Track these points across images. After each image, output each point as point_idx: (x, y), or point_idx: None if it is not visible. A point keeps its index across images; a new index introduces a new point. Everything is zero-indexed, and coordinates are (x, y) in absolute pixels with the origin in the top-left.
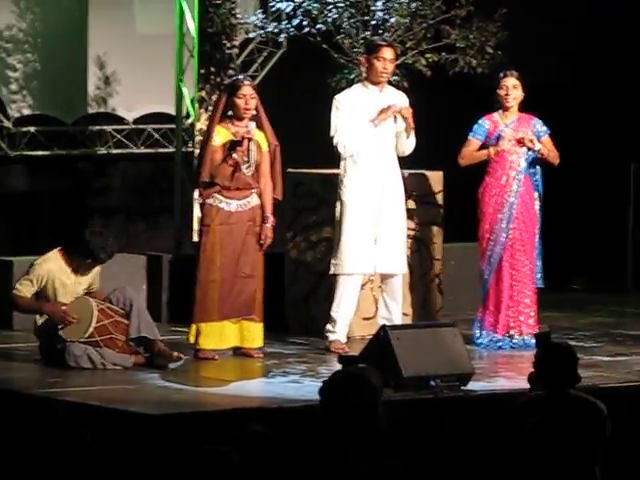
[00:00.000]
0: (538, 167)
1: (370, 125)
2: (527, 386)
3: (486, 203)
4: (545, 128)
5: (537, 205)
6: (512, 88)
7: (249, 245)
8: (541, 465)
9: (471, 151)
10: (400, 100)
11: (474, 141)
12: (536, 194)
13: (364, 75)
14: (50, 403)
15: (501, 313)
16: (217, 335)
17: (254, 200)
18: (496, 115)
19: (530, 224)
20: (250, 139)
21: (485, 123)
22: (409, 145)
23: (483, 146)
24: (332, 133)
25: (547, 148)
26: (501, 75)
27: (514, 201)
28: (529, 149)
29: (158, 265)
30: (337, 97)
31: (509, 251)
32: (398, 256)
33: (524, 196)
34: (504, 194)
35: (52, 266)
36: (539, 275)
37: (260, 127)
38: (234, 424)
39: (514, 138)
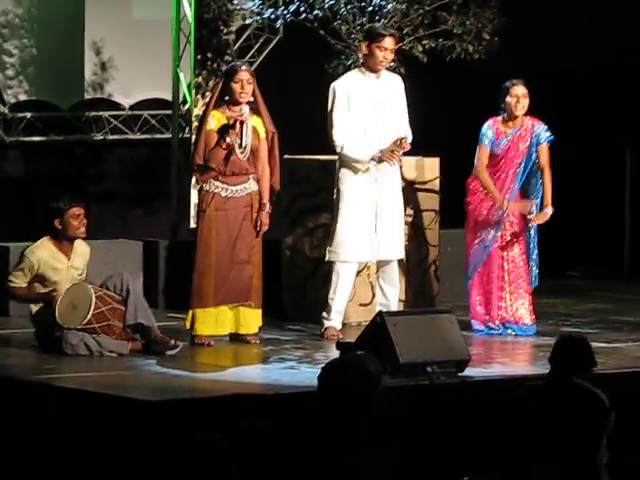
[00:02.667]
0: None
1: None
2: (522, 372)
3: (475, 199)
4: (547, 135)
5: (533, 207)
6: (522, 97)
7: (246, 231)
8: (543, 455)
9: (485, 165)
10: (396, 84)
11: (484, 149)
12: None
13: (361, 61)
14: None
15: (493, 304)
16: (213, 321)
17: (251, 186)
18: (499, 120)
19: (521, 216)
20: (243, 122)
21: (491, 129)
22: None
23: (490, 152)
24: (332, 131)
25: (540, 158)
26: (508, 84)
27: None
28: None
29: (155, 251)
30: (334, 85)
31: (500, 243)
32: (396, 242)
33: (516, 196)
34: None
35: (42, 253)
36: (535, 273)
37: (258, 113)
38: (231, 410)
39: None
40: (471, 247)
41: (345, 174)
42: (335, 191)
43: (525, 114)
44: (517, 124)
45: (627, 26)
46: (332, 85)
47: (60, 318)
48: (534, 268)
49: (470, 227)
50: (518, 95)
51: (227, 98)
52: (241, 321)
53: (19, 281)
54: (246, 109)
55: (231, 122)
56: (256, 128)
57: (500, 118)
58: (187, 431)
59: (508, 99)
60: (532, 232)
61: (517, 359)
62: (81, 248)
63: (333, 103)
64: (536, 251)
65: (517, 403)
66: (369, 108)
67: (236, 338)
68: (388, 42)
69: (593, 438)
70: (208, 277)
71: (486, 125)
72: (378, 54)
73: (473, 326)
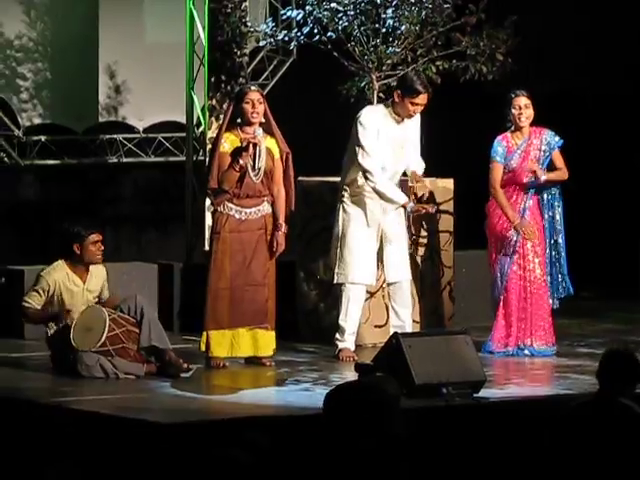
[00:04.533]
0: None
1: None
2: (539, 393)
3: (494, 219)
4: (557, 139)
5: (558, 215)
6: (525, 108)
7: (260, 253)
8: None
9: (499, 183)
10: (415, 119)
11: (498, 167)
12: (557, 204)
13: (390, 103)
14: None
15: (512, 326)
16: (228, 343)
17: (265, 208)
18: (509, 135)
19: (540, 236)
20: (256, 144)
21: (501, 145)
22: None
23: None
24: (362, 157)
25: (556, 163)
26: (512, 95)
27: (524, 216)
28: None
29: (169, 274)
30: (365, 114)
31: (522, 264)
32: (402, 263)
33: (533, 210)
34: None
35: (57, 275)
36: (569, 283)
37: (271, 134)
38: (246, 432)
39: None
40: (494, 270)
41: (351, 195)
42: (340, 210)
43: (531, 125)
44: (525, 134)
45: None
46: (363, 114)
47: (74, 341)
48: (566, 279)
49: (492, 250)
50: (521, 106)
51: (239, 120)
52: (260, 343)
53: (33, 302)
54: (260, 131)
55: (244, 144)
56: (270, 149)
57: (509, 133)
58: (210, 451)
59: (512, 111)
60: (561, 249)
61: (533, 380)
62: (96, 270)
63: (365, 132)
64: (565, 263)
65: (564, 420)
66: (390, 146)
67: (251, 360)
68: (422, 99)
69: (634, 460)
70: (223, 299)
71: (496, 142)
72: (410, 108)
73: (490, 347)
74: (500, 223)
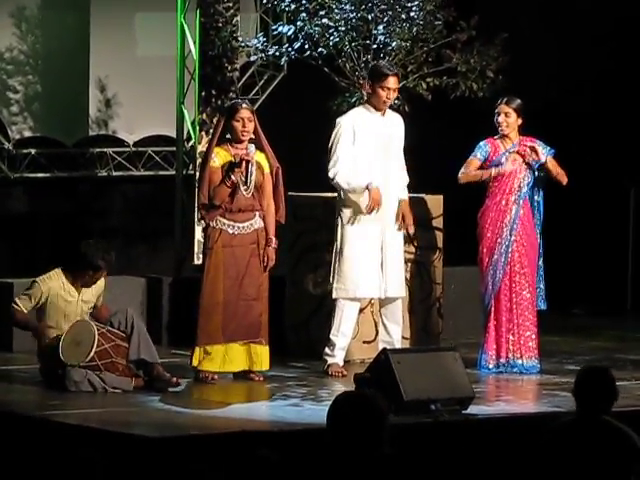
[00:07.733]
0: (541, 191)
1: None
2: (526, 410)
3: (484, 226)
4: (548, 149)
5: (537, 228)
6: (504, 116)
7: (253, 267)
8: None
9: (471, 169)
10: (399, 123)
11: (474, 161)
12: (536, 217)
13: (365, 98)
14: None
15: (502, 337)
16: (220, 358)
17: (257, 222)
18: (498, 140)
19: (530, 247)
20: (249, 161)
21: (486, 146)
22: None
23: (482, 168)
24: (331, 162)
25: (553, 169)
26: (498, 102)
27: (514, 225)
28: (535, 160)
29: (158, 288)
30: (340, 119)
31: (508, 274)
32: (401, 279)
33: (524, 219)
34: (503, 218)
35: (53, 284)
36: (541, 297)
37: (261, 149)
38: (235, 447)
39: (517, 152)
40: (485, 280)
41: (348, 209)
42: (338, 226)
43: (521, 134)
44: (514, 140)
45: (635, 67)
46: (338, 120)
47: (63, 355)
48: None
49: (483, 259)
50: (500, 113)
51: (229, 136)
52: (254, 358)
53: (23, 305)
54: (252, 148)
55: (237, 160)
56: (260, 164)
57: (498, 138)
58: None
59: (496, 118)
60: (538, 263)
61: (521, 397)
62: None
63: (338, 136)
64: (542, 277)
65: (548, 441)
66: (373, 144)
67: (240, 375)
68: (391, 82)
69: (619, 477)
70: (216, 314)
71: (480, 143)
72: (381, 94)
73: (482, 361)
74: (490, 228)
